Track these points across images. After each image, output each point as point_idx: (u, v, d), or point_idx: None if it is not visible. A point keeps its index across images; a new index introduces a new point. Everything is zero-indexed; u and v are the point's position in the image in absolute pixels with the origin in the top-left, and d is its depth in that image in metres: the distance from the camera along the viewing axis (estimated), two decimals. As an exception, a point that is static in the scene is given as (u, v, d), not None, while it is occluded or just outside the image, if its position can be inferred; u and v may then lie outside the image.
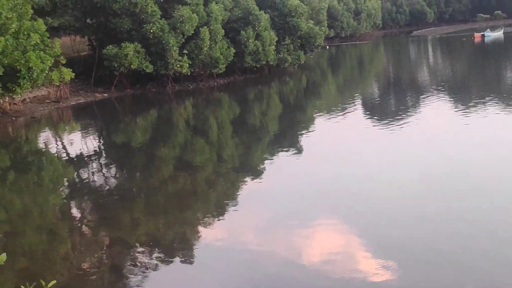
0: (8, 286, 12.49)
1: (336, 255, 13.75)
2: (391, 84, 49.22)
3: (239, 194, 19.45)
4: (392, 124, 29.90)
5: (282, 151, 25.53)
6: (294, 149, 25.74)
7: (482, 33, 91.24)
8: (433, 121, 30.40)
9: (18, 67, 33.28)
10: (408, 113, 33.36)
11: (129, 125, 34.51)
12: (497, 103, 33.05)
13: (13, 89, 33.95)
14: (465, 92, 40.45)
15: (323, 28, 62.57)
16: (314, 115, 34.22)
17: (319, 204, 17.46)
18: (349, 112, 34.56)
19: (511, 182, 18.35)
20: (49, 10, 43.87)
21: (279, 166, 22.88)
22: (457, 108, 33.66)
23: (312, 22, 58.41)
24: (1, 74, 32.69)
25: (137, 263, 14.05)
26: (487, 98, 34.76)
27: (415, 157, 22.29)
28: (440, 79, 49.83)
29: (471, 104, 33.74)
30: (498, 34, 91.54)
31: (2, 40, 32.37)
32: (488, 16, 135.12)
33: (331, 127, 30.13)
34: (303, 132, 29.69)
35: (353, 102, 39.41)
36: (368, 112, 35.25)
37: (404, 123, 29.84)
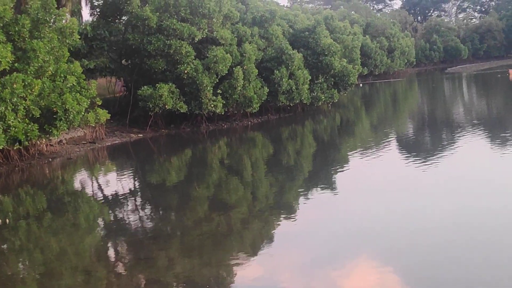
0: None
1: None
2: (425, 121, 48.97)
3: (274, 234, 19.44)
4: (427, 162, 29.70)
5: (317, 190, 25.50)
6: (328, 188, 25.69)
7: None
8: (468, 160, 30.16)
9: (54, 109, 33.73)
10: (443, 151, 33.15)
11: (163, 165, 34.72)
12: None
13: (50, 130, 34.29)
14: (501, 130, 40.10)
15: (356, 66, 62.81)
16: (348, 154, 34.14)
17: (355, 244, 17.38)
18: (383, 150, 34.45)
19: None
20: (85, 52, 44.67)
21: (314, 205, 22.85)
22: (493, 146, 33.38)
23: (345, 60, 58.49)
24: (38, 116, 33.16)
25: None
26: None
27: (450, 197, 22.13)
28: (475, 116, 49.47)
29: (508, 142, 33.48)
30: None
31: (39, 82, 32.86)
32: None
33: (365, 165, 30.04)
34: (337, 170, 29.63)
35: (387, 140, 39.27)
36: (402, 150, 35.11)
37: (439, 162, 29.65)
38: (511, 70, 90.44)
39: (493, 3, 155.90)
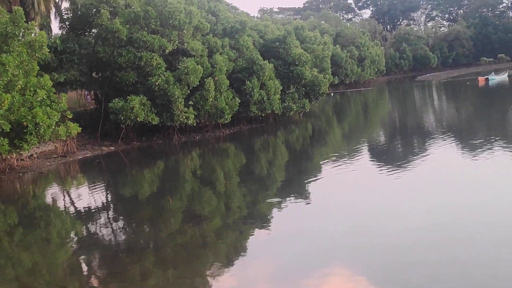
0: None
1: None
2: (396, 130, 49.31)
3: (248, 245, 19.44)
4: (399, 170, 29.94)
5: (290, 200, 25.52)
6: (301, 198, 25.75)
7: (486, 76, 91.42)
8: (440, 166, 30.41)
9: (25, 123, 33.32)
10: (414, 159, 33.39)
11: (136, 178, 34.58)
12: (503, 146, 33.11)
13: (20, 145, 33.95)
14: (471, 136, 40.47)
15: (327, 75, 63.10)
16: (320, 163, 34.26)
17: (327, 253, 17.45)
18: (355, 159, 34.61)
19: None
20: (55, 65, 44.35)
21: (287, 215, 22.89)
22: (464, 152, 33.73)
23: (316, 70, 58.80)
24: (8, 130, 32.83)
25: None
26: (494, 142, 34.83)
27: (423, 205, 22.28)
28: (446, 124, 49.92)
29: (477, 148, 33.76)
30: (503, 77, 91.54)
31: (9, 97, 32.54)
32: (491, 59, 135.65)
33: (337, 174, 30.14)
34: (310, 180, 29.69)
35: (359, 149, 39.46)
36: (374, 159, 35.32)
37: (411, 169, 29.90)
38: (480, 77, 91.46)
39: (461, 11, 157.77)
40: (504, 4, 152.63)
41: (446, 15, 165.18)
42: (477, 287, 14.18)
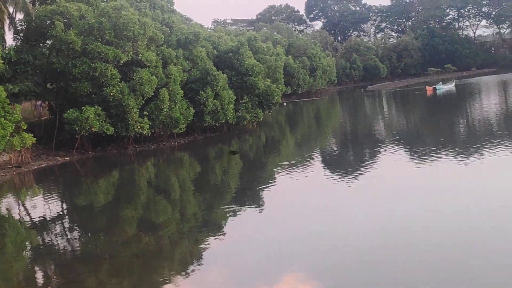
0: None
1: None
2: (348, 138, 49.74)
3: (202, 253, 19.47)
4: (350, 177, 30.27)
5: (244, 208, 25.62)
6: (255, 205, 25.87)
7: (434, 86, 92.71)
8: (389, 173, 30.82)
9: (-21, 134, 33.11)
10: (365, 166, 33.75)
11: (91, 188, 34.33)
12: (450, 153, 33.64)
13: (-25, 155, 33.70)
14: (419, 144, 41.04)
15: (280, 85, 63.46)
16: (274, 171, 34.43)
17: (281, 258, 17.58)
18: (308, 167, 34.85)
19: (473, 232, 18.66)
20: (9, 76, 43.90)
21: (241, 222, 23.02)
22: (412, 159, 34.21)
23: (269, 80, 59.10)
24: (-38, 141, 32.53)
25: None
26: (441, 149, 35.37)
27: (373, 210, 22.58)
28: (395, 132, 50.48)
29: (425, 156, 34.28)
30: (450, 86, 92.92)
31: (-37, 108, 32.27)
32: (439, 69, 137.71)
33: (290, 182, 30.33)
34: (263, 187, 29.82)
35: (311, 157, 39.75)
36: (326, 166, 35.60)
37: (361, 176, 30.25)
38: (428, 87, 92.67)
39: (409, 23, 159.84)
40: (450, 16, 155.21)
41: (395, 27, 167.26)
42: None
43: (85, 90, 44.01)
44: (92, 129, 42.73)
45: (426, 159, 33.09)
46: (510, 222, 19.21)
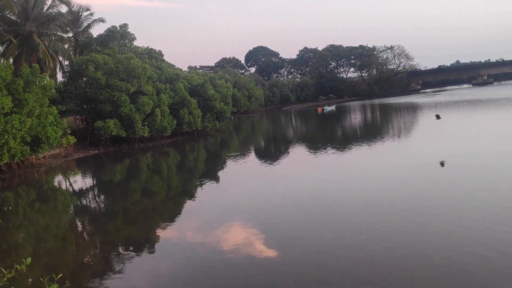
0: (33, 277, 12.19)
1: (241, 242, 14.12)
2: (271, 139, 50.27)
3: (181, 210, 19.61)
4: (273, 163, 30.70)
5: (208, 182, 25.81)
6: (215, 180, 26.07)
7: (322, 107, 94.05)
8: (297, 159, 31.35)
9: (40, 136, 32.64)
10: (282, 156, 34.26)
11: (111, 169, 33.99)
12: (333, 149, 34.37)
13: (37, 150, 33.19)
14: (314, 141, 41.81)
15: (229, 107, 63.42)
16: (226, 159, 34.70)
17: (232, 213, 17.83)
18: (247, 157, 35.19)
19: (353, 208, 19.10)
20: (59, 100, 43.47)
21: (206, 191, 23.18)
22: (310, 150, 34.85)
23: (222, 103, 59.09)
24: (30, 141, 32.02)
25: (119, 254, 14.03)
26: (328, 145, 36.12)
27: (289, 185, 23.00)
28: (299, 135, 51.26)
29: (319, 149, 34.96)
30: (332, 108, 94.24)
31: (30, 120, 31.94)
32: (325, 97, 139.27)
33: (236, 166, 30.63)
34: (219, 169, 30.03)
35: (249, 150, 40.09)
36: (258, 157, 36.01)
37: (279, 162, 30.72)
38: (319, 108, 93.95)
39: (307, 69, 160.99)
40: (332, 65, 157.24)
41: (299, 71, 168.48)
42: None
43: (107, 109, 43.48)
44: (112, 133, 42.44)
45: (319, 150, 33.76)
46: (369, 184, 19.91)
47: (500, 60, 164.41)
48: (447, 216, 14.34)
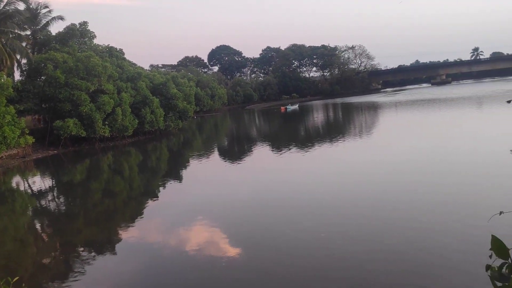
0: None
1: (205, 242, 14.20)
2: (234, 137, 50.39)
3: (143, 210, 19.49)
4: (236, 161, 30.84)
5: (170, 181, 25.74)
6: (177, 179, 26.01)
7: (285, 106, 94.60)
8: (261, 156, 31.58)
9: (-4, 136, 31.82)
10: (246, 154, 34.44)
11: (71, 170, 33.39)
12: (296, 148, 34.77)
13: (-7, 150, 32.32)
14: (276, 139, 42.17)
15: (192, 106, 63.16)
16: (189, 158, 34.61)
17: (194, 212, 17.87)
18: (210, 155, 35.22)
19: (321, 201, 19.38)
20: (17, 99, 42.46)
21: (168, 191, 23.13)
22: (273, 150, 35.15)
23: (185, 102, 58.77)
24: (-15, 141, 31.13)
25: (79, 256, 13.87)
26: (291, 143, 36.51)
27: (251, 181, 23.18)
28: (263, 134, 51.56)
29: (281, 147, 35.30)
30: (295, 107, 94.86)
31: (-15, 119, 30.95)
32: (288, 96, 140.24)
33: (199, 165, 30.62)
34: (182, 169, 29.97)
35: (212, 149, 40.12)
36: (221, 155, 36.09)
37: (242, 160, 30.87)
38: (282, 107, 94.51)
39: (270, 68, 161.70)
40: (295, 65, 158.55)
41: (262, 71, 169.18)
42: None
43: (67, 108, 42.59)
44: (72, 132, 41.58)
45: (282, 149, 34.08)
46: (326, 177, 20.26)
47: (458, 60, 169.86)
48: (403, 212, 14.83)
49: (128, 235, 15.42)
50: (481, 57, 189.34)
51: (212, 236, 14.36)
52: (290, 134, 48.09)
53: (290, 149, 33.37)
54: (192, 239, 14.19)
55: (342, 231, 13.52)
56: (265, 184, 21.78)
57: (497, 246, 2.77)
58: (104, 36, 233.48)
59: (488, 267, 2.84)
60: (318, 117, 66.48)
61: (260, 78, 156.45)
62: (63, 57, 44.58)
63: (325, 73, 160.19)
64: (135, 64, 73.94)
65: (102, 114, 43.76)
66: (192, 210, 17.90)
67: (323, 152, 30.54)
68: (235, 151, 38.06)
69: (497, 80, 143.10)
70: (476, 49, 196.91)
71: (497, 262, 2.76)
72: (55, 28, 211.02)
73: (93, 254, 13.76)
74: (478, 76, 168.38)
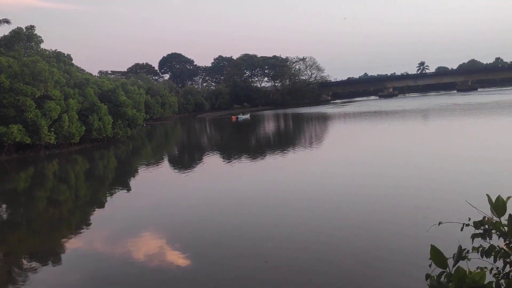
0: None
1: (153, 251, 14.23)
2: (185, 146, 50.25)
3: (90, 219, 19.24)
4: (187, 170, 30.83)
5: (118, 190, 25.48)
6: (125, 188, 25.78)
7: (237, 116, 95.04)
8: (211, 166, 31.71)
9: None
10: (196, 164, 34.47)
11: (15, 177, 32.37)
12: (247, 156, 35.10)
13: None
14: (228, 150, 42.39)
15: (142, 113, 62.58)
16: (138, 167, 34.28)
17: (144, 221, 17.82)
18: (159, 165, 35.04)
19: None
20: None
21: (115, 199, 22.90)
22: (224, 158, 35.36)
23: (134, 110, 58.18)
24: None
25: (21, 267, 13.62)
26: (242, 153, 36.82)
27: (201, 191, 23.29)
28: (213, 143, 51.68)
29: (231, 155, 35.55)
30: (246, 116, 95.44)
31: None
32: (239, 106, 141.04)
33: (147, 174, 30.42)
34: (130, 178, 29.69)
35: (162, 158, 39.90)
36: (171, 164, 35.95)
37: (193, 170, 30.89)
38: (233, 116, 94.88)
39: (222, 77, 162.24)
40: (247, 75, 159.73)
41: (214, 79, 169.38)
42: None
43: (11, 114, 41.26)
44: (16, 139, 40.23)
45: (232, 158, 34.33)
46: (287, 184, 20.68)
47: (405, 74, 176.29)
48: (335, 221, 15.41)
49: (74, 245, 15.21)
50: (427, 71, 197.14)
51: (160, 246, 14.38)
52: (241, 143, 48.46)
53: (241, 158, 33.70)
54: (140, 249, 14.15)
55: (290, 241, 13.89)
56: (215, 193, 21.94)
57: (436, 255, 2.92)
58: (52, 41, 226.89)
59: (427, 276, 3.00)
60: (269, 127, 67.28)
61: (212, 87, 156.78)
62: (8, 62, 43.25)
63: (276, 84, 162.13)
64: (83, 70, 72.63)
65: (48, 120, 42.67)
66: (140, 219, 17.82)
67: (274, 161, 31.04)
68: (185, 160, 37.96)
69: (442, 94, 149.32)
70: (422, 63, 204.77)
71: (436, 271, 2.93)
72: (0, 32, 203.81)
73: (36, 265, 13.52)
74: (424, 89, 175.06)
